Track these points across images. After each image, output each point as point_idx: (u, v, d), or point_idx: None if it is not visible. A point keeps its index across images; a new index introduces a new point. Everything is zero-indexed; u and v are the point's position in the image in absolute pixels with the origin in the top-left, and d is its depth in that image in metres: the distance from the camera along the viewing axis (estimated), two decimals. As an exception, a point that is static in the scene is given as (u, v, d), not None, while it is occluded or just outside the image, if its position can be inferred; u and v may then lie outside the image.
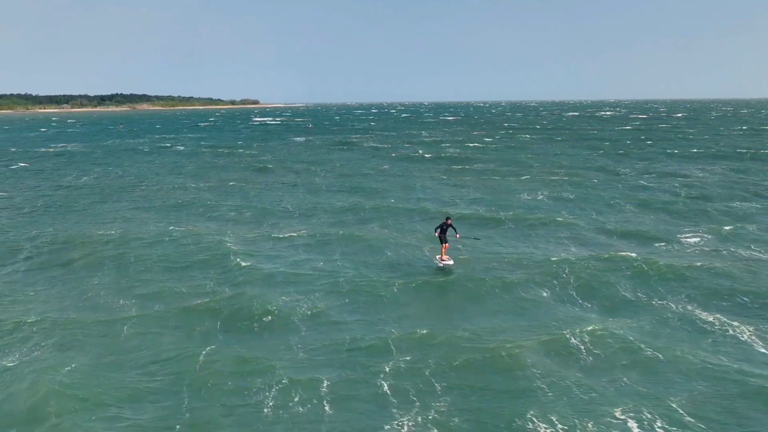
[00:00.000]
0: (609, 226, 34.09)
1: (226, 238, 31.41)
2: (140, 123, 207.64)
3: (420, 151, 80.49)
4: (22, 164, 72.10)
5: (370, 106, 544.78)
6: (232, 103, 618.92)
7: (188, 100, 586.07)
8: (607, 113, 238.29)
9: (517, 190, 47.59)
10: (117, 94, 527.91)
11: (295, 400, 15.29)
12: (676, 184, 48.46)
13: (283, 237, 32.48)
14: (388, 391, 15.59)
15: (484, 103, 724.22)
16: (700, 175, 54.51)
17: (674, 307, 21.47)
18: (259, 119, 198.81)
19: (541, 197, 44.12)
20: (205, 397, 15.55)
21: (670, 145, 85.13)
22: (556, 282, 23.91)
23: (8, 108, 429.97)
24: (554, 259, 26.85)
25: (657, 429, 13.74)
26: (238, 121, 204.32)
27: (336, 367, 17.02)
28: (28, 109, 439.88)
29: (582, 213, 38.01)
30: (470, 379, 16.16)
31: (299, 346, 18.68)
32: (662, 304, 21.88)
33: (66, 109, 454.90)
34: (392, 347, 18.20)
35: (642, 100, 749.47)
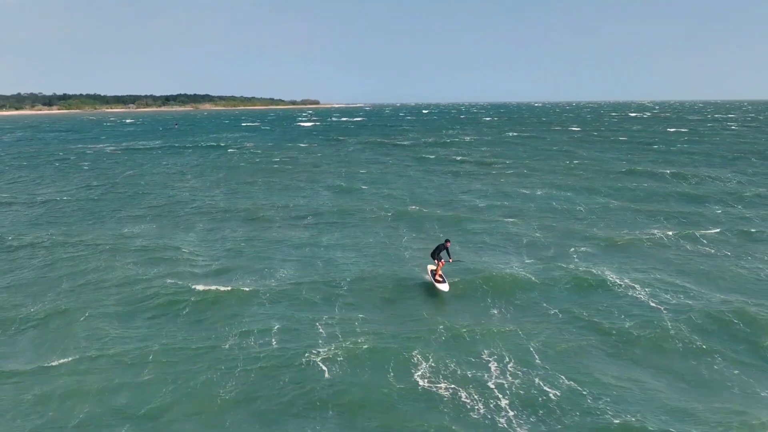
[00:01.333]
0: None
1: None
2: (195, 122, 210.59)
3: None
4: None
5: (435, 107, 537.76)
6: (293, 103, 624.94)
7: (250, 100, 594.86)
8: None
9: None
10: (181, 94, 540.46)
11: None
12: None
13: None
14: None
15: (574, 103, 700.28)
16: None
17: None
18: (306, 124, 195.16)
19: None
20: None
21: None
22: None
23: (77, 107, 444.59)
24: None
25: None
26: (285, 123, 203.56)
27: None
28: (96, 108, 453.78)
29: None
30: None
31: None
32: None
33: (132, 109, 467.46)
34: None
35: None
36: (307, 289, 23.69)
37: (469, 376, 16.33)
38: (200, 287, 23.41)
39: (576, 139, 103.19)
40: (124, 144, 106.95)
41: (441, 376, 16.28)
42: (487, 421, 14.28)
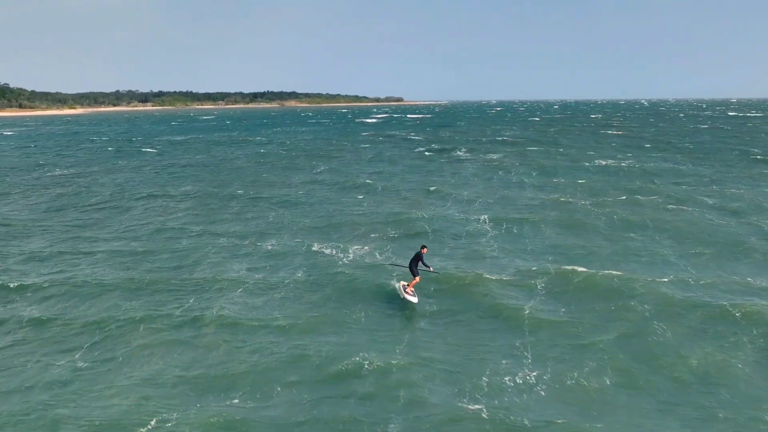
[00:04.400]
0: None
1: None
2: (268, 117, 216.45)
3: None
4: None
5: (521, 104, 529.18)
6: (377, 100, 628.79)
7: (334, 97, 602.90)
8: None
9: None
10: (268, 91, 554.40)
11: None
12: None
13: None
14: None
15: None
16: None
17: None
18: (370, 120, 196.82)
19: None
20: None
21: None
22: None
23: (170, 104, 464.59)
24: None
25: None
26: (350, 117, 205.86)
27: None
28: (187, 105, 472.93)
29: None
30: None
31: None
32: None
33: (221, 106, 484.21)
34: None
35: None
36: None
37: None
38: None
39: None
40: (178, 137, 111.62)
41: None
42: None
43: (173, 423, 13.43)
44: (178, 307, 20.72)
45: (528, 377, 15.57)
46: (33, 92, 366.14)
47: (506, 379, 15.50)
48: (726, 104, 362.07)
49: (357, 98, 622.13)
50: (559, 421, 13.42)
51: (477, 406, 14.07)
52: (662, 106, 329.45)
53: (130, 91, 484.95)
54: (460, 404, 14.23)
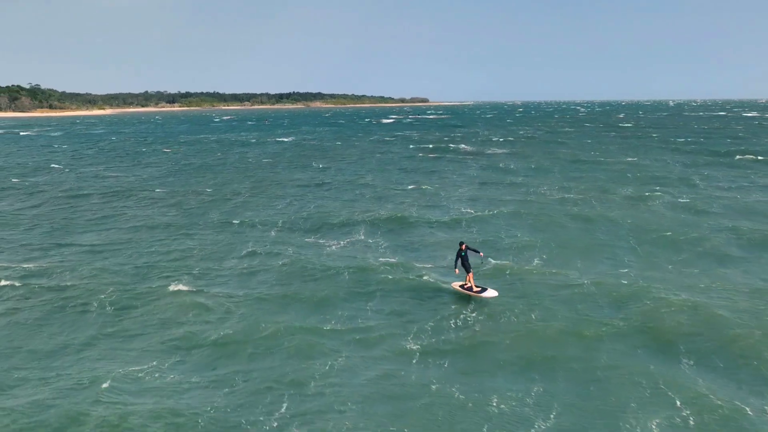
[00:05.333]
0: None
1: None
2: (290, 118, 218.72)
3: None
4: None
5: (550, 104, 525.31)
6: (402, 101, 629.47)
7: (360, 98, 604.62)
8: None
9: None
10: (294, 92, 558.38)
11: None
12: None
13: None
14: None
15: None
16: None
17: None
18: (386, 121, 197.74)
19: None
20: None
21: None
22: None
23: (197, 105, 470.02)
24: None
25: None
26: (367, 118, 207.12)
27: None
28: (213, 105, 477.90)
29: None
30: None
31: None
32: None
33: (246, 106, 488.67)
34: None
35: None
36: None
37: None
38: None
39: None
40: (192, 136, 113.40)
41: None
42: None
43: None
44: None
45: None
46: (63, 93, 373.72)
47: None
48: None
49: (382, 99, 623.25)
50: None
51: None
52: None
53: (158, 92, 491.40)
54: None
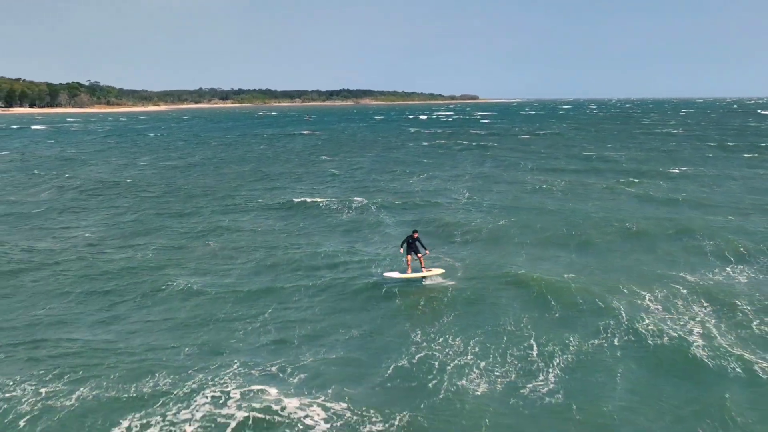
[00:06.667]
0: None
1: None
2: (338, 114, 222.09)
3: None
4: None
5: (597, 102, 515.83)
6: (452, 98, 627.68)
7: (410, 95, 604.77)
8: None
9: None
10: (344, 89, 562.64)
11: None
12: None
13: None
14: None
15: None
16: None
17: None
18: (423, 117, 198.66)
19: None
20: None
21: None
22: None
23: (248, 102, 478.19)
24: None
25: None
26: (406, 115, 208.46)
27: None
28: (264, 102, 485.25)
29: None
30: None
31: None
32: None
33: (297, 103, 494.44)
34: None
35: None
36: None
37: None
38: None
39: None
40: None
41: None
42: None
43: None
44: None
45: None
46: (121, 90, 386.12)
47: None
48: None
49: (432, 96, 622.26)
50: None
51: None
52: None
53: (212, 89, 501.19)
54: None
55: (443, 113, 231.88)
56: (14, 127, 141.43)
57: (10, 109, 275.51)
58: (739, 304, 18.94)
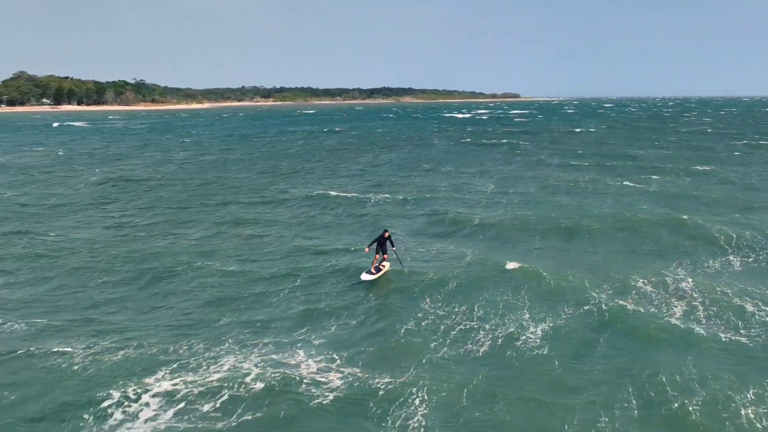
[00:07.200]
0: None
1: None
2: (369, 113, 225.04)
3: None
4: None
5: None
6: (493, 96, 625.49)
7: (450, 93, 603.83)
8: None
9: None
10: (384, 87, 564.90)
11: None
12: None
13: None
14: None
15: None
16: None
17: None
18: (459, 116, 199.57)
19: None
20: None
21: None
22: None
23: (290, 100, 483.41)
24: None
25: None
26: (438, 113, 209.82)
27: None
28: (306, 100, 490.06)
29: None
30: None
31: None
32: None
33: (338, 101, 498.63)
34: None
35: None
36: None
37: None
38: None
39: None
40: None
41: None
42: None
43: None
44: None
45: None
46: (165, 88, 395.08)
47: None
48: None
49: (473, 94, 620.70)
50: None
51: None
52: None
53: (254, 87, 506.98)
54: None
55: (481, 111, 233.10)
56: (55, 125, 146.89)
57: (59, 106, 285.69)
58: (720, 292, 20.48)
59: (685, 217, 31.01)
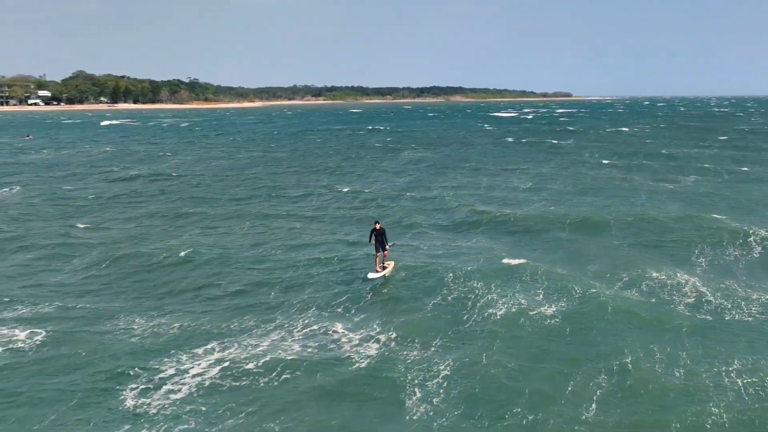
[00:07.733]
0: None
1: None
2: (415, 112, 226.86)
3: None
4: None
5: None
6: (544, 95, 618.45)
7: (501, 92, 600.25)
8: None
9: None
10: (434, 86, 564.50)
11: None
12: None
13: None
14: None
15: None
16: None
17: None
18: (503, 114, 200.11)
19: None
20: None
21: None
22: None
23: (341, 98, 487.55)
24: None
25: None
26: (483, 112, 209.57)
27: None
28: (356, 99, 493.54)
29: None
30: None
31: None
32: None
33: (388, 100, 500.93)
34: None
35: None
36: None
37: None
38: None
39: None
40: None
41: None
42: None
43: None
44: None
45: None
46: (218, 87, 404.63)
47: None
48: None
49: (524, 93, 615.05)
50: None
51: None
52: None
53: (305, 86, 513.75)
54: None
55: (527, 110, 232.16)
56: (104, 123, 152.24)
57: (115, 104, 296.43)
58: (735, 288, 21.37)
59: (717, 216, 31.31)
